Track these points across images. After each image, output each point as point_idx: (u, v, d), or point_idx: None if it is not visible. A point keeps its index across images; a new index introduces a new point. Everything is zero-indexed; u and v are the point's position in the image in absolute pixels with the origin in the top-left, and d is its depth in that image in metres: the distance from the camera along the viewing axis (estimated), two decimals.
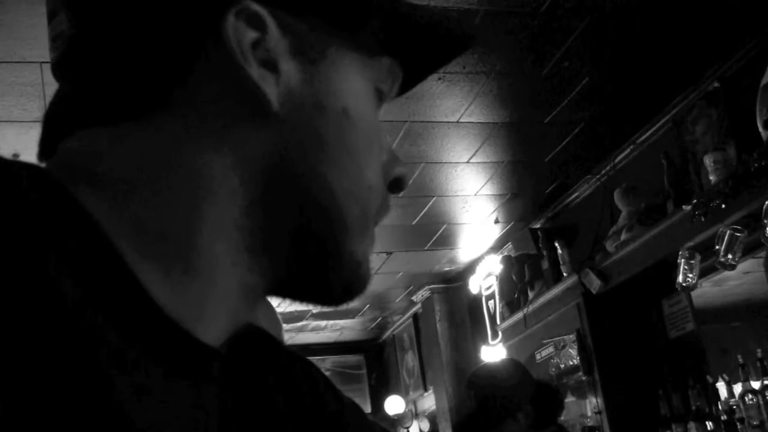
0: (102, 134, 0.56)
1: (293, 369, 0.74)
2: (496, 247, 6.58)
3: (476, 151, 4.89)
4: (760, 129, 3.65)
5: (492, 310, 6.71)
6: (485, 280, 6.75)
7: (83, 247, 0.48)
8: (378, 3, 0.63)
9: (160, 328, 0.51)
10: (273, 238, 0.58)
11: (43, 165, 0.58)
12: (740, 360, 4.39)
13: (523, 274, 6.04)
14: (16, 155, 4.18)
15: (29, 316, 0.41)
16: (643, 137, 4.76)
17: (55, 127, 0.59)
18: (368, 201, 0.62)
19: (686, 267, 4.14)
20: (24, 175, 0.49)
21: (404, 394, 8.50)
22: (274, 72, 0.57)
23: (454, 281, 7.37)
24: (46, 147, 0.60)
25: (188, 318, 0.53)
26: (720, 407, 4.34)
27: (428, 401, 7.96)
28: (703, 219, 3.89)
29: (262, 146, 0.57)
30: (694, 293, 4.46)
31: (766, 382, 4.14)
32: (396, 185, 0.68)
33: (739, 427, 4.17)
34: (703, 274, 4.20)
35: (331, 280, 0.62)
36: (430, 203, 5.60)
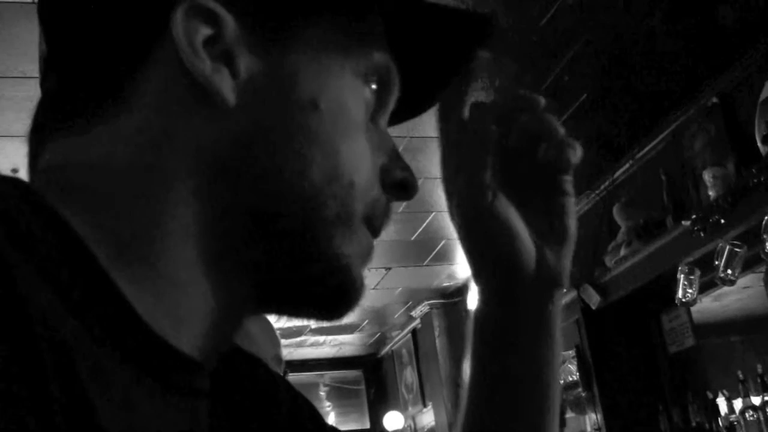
0: (69, 144, 0.56)
1: (279, 393, 0.73)
2: None
3: None
4: (759, 144, 3.65)
5: None
6: None
7: (62, 258, 0.47)
8: None
9: (140, 339, 0.50)
10: (245, 239, 0.56)
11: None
12: (740, 376, 4.38)
13: None
14: (15, 170, 4.19)
15: (3, 331, 0.40)
16: (642, 152, 4.75)
17: (35, 141, 0.59)
18: (350, 199, 0.59)
19: (686, 282, 4.13)
20: (3, 189, 0.49)
21: (403, 410, 8.47)
22: (229, 66, 0.56)
23: (453, 297, 7.36)
24: (30, 161, 0.60)
25: (165, 327, 0.52)
26: (720, 423, 4.33)
27: (427, 417, 7.93)
28: (702, 234, 3.88)
29: (221, 141, 0.55)
30: (693, 308, 4.45)
31: (766, 398, 4.13)
32: (399, 189, 0.65)
33: None
34: (703, 289, 4.20)
35: (319, 285, 0.60)
36: (429, 218, 5.60)
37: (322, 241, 0.58)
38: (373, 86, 0.63)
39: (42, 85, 0.60)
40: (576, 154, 0.69)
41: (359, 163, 0.60)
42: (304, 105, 0.57)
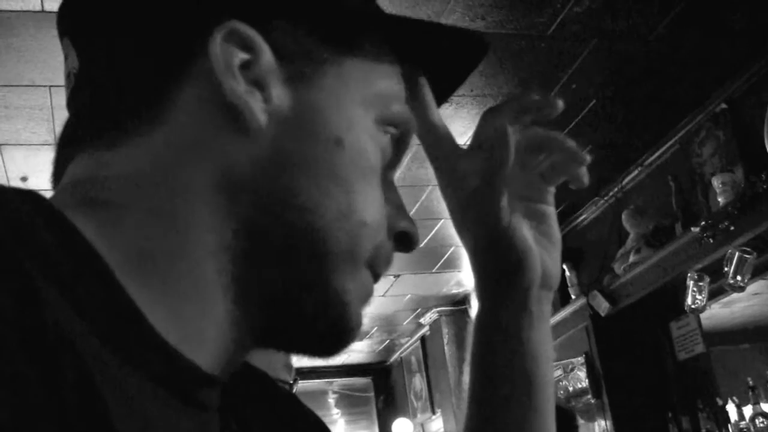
0: (96, 158, 0.57)
1: (289, 409, 0.74)
2: None
3: None
4: None
5: None
6: None
7: (77, 270, 0.47)
8: (378, 19, 0.64)
9: (156, 352, 0.51)
10: (259, 261, 0.57)
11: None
12: (750, 382, 4.37)
13: None
14: (24, 178, 4.20)
15: (22, 343, 0.40)
16: (651, 159, 4.76)
17: (63, 153, 0.60)
18: (360, 237, 0.60)
19: (695, 289, 4.13)
20: (15, 200, 0.49)
21: (412, 417, 8.46)
22: (262, 91, 0.57)
23: (461, 304, 7.36)
24: (56, 172, 0.60)
25: (180, 341, 0.52)
26: (730, 430, 4.31)
27: (436, 424, 7.92)
28: (711, 241, 3.88)
29: (245, 163, 0.56)
30: (702, 315, 4.45)
31: None
32: (402, 240, 0.66)
33: None
34: (712, 296, 4.19)
35: (316, 319, 0.60)
36: (438, 226, 5.60)
37: (328, 273, 0.59)
38: (390, 136, 0.65)
39: (71, 99, 0.61)
40: (585, 161, 0.72)
41: (371, 204, 0.61)
42: (329, 141, 0.59)
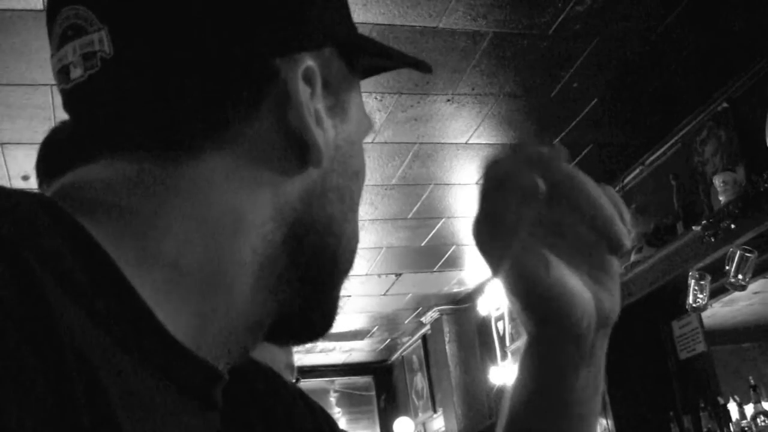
0: (128, 164, 0.55)
1: (291, 400, 0.75)
2: None
3: None
4: None
5: (501, 332, 6.69)
6: (494, 301, 6.74)
7: (90, 275, 0.47)
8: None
9: (169, 350, 0.51)
10: (287, 281, 0.59)
11: (44, 189, 0.58)
12: (752, 381, 4.38)
13: None
14: (26, 177, 4.20)
15: (35, 346, 0.40)
16: (652, 158, 4.75)
17: (70, 151, 0.58)
18: (355, 254, 0.65)
19: (696, 288, 4.13)
20: (22, 202, 0.49)
21: (413, 416, 8.46)
22: (321, 125, 0.58)
23: (463, 302, 7.36)
24: (50, 170, 0.59)
25: (194, 344, 0.53)
26: (732, 429, 4.32)
27: (437, 423, 7.92)
28: (713, 240, 3.88)
29: (297, 195, 0.58)
30: (704, 314, 4.45)
31: None
32: None
33: None
34: (714, 294, 4.20)
35: (317, 325, 0.65)
36: (439, 225, 5.60)
37: (333, 288, 0.64)
38: None
39: (90, 84, 0.56)
40: (629, 236, 0.67)
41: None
42: (353, 173, 0.63)
